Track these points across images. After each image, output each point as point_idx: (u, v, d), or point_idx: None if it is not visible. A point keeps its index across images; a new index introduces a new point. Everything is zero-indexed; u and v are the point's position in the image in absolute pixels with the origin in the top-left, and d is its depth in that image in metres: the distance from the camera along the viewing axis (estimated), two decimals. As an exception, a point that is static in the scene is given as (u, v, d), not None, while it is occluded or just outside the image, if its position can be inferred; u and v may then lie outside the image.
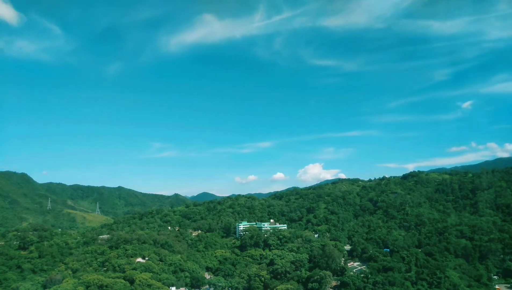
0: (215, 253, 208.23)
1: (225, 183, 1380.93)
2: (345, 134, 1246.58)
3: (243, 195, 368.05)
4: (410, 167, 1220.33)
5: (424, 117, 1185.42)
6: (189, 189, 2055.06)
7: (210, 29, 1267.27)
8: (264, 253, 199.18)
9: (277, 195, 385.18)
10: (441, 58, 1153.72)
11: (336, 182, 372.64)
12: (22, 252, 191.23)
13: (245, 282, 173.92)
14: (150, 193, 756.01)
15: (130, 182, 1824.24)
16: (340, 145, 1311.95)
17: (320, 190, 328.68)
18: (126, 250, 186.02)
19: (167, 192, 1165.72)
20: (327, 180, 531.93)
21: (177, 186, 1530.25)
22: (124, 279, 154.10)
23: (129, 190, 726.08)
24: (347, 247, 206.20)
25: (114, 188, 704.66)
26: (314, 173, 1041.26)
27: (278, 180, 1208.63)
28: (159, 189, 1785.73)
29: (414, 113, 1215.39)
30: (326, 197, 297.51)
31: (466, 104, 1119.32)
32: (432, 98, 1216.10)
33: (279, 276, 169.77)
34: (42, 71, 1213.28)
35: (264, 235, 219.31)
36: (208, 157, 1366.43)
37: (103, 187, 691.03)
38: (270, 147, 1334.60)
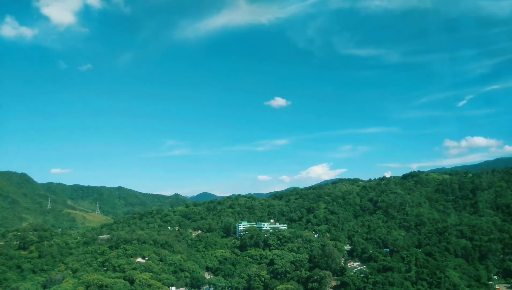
0: (215, 253, 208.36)
1: (229, 183, 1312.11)
2: (363, 131, 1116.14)
3: (243, 195, 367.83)
4: (419, 165, 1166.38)
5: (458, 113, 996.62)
6: (189, 189, 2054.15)
7: (235, 14, 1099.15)
8: (264, 253, 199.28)
9: (277, 195, 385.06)
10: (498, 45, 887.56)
11: (336, 182, 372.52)
12: (22, 252, 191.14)
13: (245, 282, 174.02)
14: (150, 193, 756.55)
15: (131, 182, 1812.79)
16: (357, 142, 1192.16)
17: (320, 190, 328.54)
18: (126, 250, 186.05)
19: (167, 192, 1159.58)
20: (327, 180, 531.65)
21: (177, 186, 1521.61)
22: (124, 279, 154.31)
23: (129, 190, 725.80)
24: (347, 247, 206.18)
25: (114, 188, 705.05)
26: (318, 173, 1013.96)
27: (290, 180, 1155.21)
28: (159, 189, 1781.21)
29: (442, 109, 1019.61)
30: (326, 197, 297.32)
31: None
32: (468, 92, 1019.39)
33: (279, 276, 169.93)
34: (43, 61, 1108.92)
35: (264, 235, 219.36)
36: (220, 155, 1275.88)
37: (103, 187, 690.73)
38: (286, 144, 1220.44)
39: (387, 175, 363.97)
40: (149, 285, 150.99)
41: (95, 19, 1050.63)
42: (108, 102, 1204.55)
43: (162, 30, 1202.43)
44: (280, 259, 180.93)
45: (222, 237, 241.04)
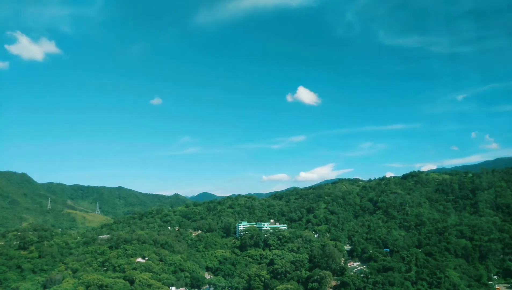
0: (215, 253, 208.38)
1: (230, 183, 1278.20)
2: (386, 128, 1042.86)
3: (243, 195, 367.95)
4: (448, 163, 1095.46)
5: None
6: (189, 189, 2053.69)
7: None
8: (264, 253, 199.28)
9: (277, 195, 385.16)
10: None
11: (336, 182, 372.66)
12: (22, 252, 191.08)
13: (245, 282, 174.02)
14: (150, 193, 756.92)
15: (131, 182, 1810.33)
16: (379, 139, 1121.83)
17: (320, 190, 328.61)
18: (126, 250, 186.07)
19: (167, 192, 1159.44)
20: (327, 180, 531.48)
21: (177, 186, 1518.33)
22: (124, 279, 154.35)
23: (129, 190, 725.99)
24: (347, 247, 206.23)
25: (114, 188, 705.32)
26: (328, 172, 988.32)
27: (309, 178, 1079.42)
28: (159, 189, 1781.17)
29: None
30: (326, 197, 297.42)
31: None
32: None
33: (279, 276, 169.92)
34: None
35: (264, 235, 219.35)
36: (233, 154, 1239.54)
37: (103, 187, 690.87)
38: (303, 141, 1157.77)
39: (387, 175, 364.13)
40: (149, 285, 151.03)
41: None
42: (110, 100, 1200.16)
43: (180, 18, 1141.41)
44: (280, 259, 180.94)
45: (222, 237, 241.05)
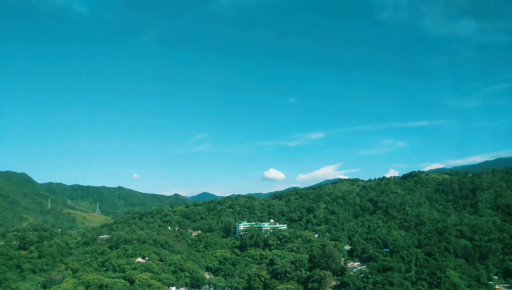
0: (215, 253, 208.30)
1: (231, 182, 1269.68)
2: (410, 124, 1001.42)
3: (243, 195, 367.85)
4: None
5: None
6: (189, 189, 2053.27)
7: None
8: (264, 253, 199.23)
9: (277, 195, 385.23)
10: None
11: (336, 182, 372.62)
12: (22, 252, 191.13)
13: (245, 282, 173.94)
14: (150, 193, 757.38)
15: (131, 182, 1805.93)
16: (401, 136, 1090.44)
17: (320, 190, 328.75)
18: (126, 250, 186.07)
19: (167, 192, 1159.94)
20: (327, 180, 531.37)
21: (177, 186, 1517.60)
22: (124, 279, 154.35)
23: (129, 190, 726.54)
24: (347, 247, 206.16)
25: (114, 188, 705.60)
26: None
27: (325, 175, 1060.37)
28: (159, 189, 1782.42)
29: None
30: (326, 197, 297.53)
31: None
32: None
33: (279, 276, 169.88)
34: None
35: (264, 235, 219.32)
36: (245, 152, 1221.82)
37: (103, 187, 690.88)
38: (321, 138, 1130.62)
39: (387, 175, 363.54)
40: (149, 285, 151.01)
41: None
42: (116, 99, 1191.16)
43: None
44: (280, 259, 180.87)
45: (222, 237, 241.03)
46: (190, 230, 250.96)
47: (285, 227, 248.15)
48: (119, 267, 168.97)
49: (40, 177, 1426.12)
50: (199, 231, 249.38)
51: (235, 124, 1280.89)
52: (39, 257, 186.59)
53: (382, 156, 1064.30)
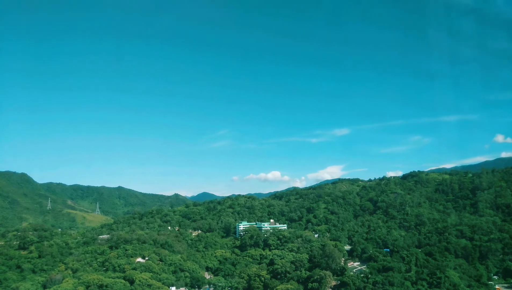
0: (215, 253, 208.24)
1: (232, 182, 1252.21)
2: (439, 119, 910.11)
3: (243, 195, 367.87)
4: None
5: None
6: (189, 189, 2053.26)
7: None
8: (264, 253, 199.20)
9: (277, 195, 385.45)
10: None
11: (336, 182, 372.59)
12: (22, 252, 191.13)
13: (245, 282, 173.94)
14: (150, 193, 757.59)
15: (131, 182, 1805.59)
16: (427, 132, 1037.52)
17: (320, 190, 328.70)
18: (126, 250, 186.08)
19: (167, 192, 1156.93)
20: (327, 180, 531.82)
21: (177, 186, 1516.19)
22: (124, 279, 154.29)
23: (129, 190, 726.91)
24: (347, 247, 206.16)
25: (114, 188, 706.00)
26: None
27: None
28: (159, 189, 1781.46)
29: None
30: (326, 197, 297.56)
31: None
32: None
33: (279, 276, 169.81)
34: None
35: (264, 235, 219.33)
36: (266, 149, 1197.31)
37: (103, 187, 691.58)
38: (347, 134, 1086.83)
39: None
40: (149, 285, 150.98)
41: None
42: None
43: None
44: (280, 259, 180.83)
45: (222, 237, 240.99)
46: (190, 230, 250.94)
47: (285, 227, 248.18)
48: (119, 267, 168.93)
49: (40, 177, 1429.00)
50: (199, 231, 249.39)
51: (235, 124, 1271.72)
52: (39, 257, 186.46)
53: (383, 156, 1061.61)
